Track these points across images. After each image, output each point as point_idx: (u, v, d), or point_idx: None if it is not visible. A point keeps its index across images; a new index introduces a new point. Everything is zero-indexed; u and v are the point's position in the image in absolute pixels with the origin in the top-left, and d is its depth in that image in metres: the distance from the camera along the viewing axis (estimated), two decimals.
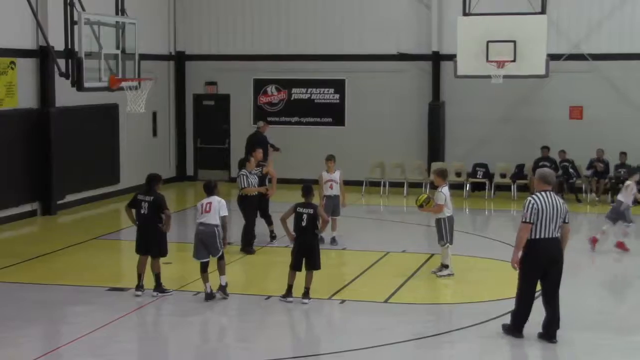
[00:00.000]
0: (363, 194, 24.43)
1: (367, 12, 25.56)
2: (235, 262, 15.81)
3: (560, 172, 23.25)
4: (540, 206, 11.03)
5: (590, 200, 22.70)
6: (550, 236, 11.10)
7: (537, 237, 11.08)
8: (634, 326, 12.31)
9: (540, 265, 11.17)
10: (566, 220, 11.25)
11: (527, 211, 11.06)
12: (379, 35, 25.46)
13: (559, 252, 11.24)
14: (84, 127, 22.28)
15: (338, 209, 17.50)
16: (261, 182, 17.33)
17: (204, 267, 13.35)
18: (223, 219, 13.26)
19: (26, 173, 20.44)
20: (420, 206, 15.02)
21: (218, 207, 13.23)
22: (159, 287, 13.58)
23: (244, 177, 16.68)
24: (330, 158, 17.63)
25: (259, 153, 17.41)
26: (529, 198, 11.18)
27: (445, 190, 14.87)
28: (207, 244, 13.23)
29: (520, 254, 11.22)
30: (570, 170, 23.32)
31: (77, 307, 13.16)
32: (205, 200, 13.38)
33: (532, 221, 11.04)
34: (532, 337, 11.45)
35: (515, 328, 11.49)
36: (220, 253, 13.32)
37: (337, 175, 17.40)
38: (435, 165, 24.52)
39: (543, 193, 11.18)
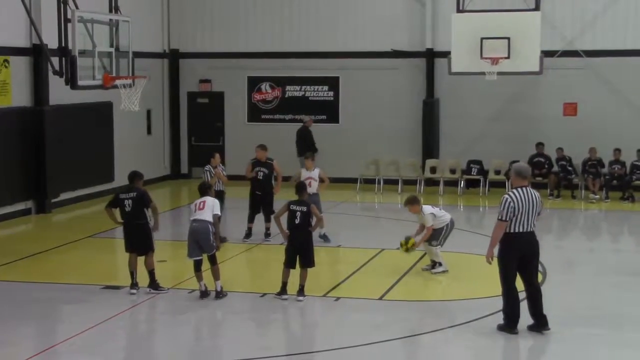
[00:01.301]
0: (358, 191, 24.44)
1: (361, 9, 25.56)
2: (229, 260, 15.80)
3: (558, 169, 23.30)
4: (516, 204, 11.16)
5: (591, 199, 22.67)
6: (527, 230, 11.26)
7: (514, 231, 11.23)
8: (626, 321, 12.34)
9: (517, 258, 11.32)
10: (540, 214, 11.43)
11: (503, 209, 11.19)
12: (373, 32, 25.47)
13: (536, 245, 11.42)
14: (78, 125, 22.25)
15: (319, 206, 17.40)
16: (268, 179, 17.46)
17: (197, 266, 13.34)
18: (215, 217, 13.26)
19: (20, 171, 20.41)
20: (407, 250, 14.90)
21: (212, 205, 13.24)
22: (153, 284, 13.57)
23: (208, 172, 17.00)
24: (309, 156, 17.62)
25: (217, 158, 17.43)
26: (505, 196, 11.30)
27: (426, 209, 14.88)
28: (200, 240, 13.22)
29: (495, 249, 11.38)
30: (569, 168, 23.34)
31: (72, 305, 13.15)
32: (199, 200, 13.40)
33: (507, 219, 11.18)
34: (527, 333, 11.48)
35: (508, 324, 11.52)
36: (214, 251, 13.30)
37: (316, 172, 17.31)
38: (430, 163, 24.61)
39: (519, 189, 11.31)
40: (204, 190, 13.57)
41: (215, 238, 13.30)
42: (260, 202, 17.56)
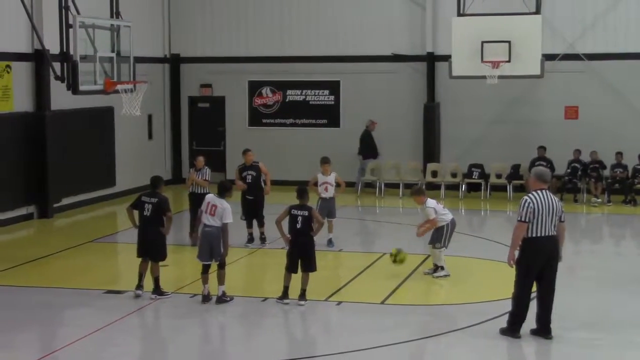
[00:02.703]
0: (359, 195, 24.43)
1: (362, 13, 25.57)
2: (231, 265, 15.79)
3: (568, 170, 23.23)
4: (535, 205, 11.07)
5: (593, 202, 22.66)
6: (547, 234, 11.14)
7: (534, 235, 11.12)
8: (628, 325, 12.33)
9: (537, 263, 11.20)
10: (562, 219, 11.30)
11: (522, 210, 11.10)
12: (374, 36, 25.48)
13: (556, 250, 11.28)
14: (79, 130, 22.28)
15: (334, 211, 17.53)
16: (256, 181, 17.46)
17: (205, 269, 13.38)
18: (225, 225, 13.24)
19: (22, 176, 20.43)
20: (394, 262, 14.83)
21: (222, 213, 13.19)
22: (157, 290, 13.58)
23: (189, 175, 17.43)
24: (326, 160, 17.64)
25: (200, 161, 17.42)
26: (525, 197, 11.22)
27: (429, 203, 14.91)
28: (212, 245, 13.23)
29: (516, 252, 11.26)
30: (579, 172, 23.25)
31: (74, 310, 13.17)
32: (211, 202, 13.33)
33: (527, 220, 11.08)
34: (530, 337, 11.48)
35: (512, 328, 11.50)
36: (221, 258, 13.30)
37: (332, 177, 17.42)
38: (431, 167, 24.61)
39: (539, 192, 11.22)
40: (222, 191, 13.45)
41: (224, 246, 13.29)
42: (253, 205, 17.57)
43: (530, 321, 11.57)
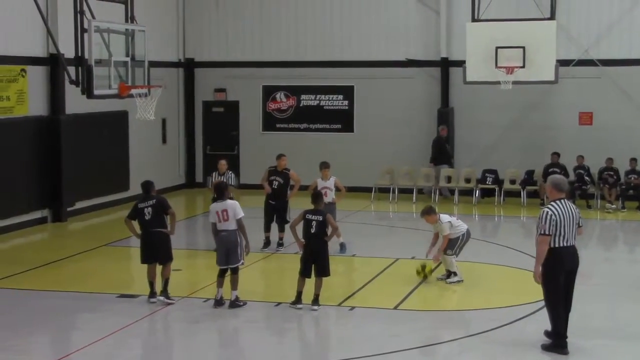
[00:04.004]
0: (372, 200, 24.42)
1: (376, 19, 25.58)
2: (245, 269, 15.78)
3: (574, 178, 23.16)
4: (558, 217, 10.92)
5: (607, 209, 22.57)
6: (569, 244, 11.04)
7: (557, 246, 10.97)
8: None
9: (562, 274, 11.03)
10: (580, 224, 11.24)
11: (545, 223, 10.91)
12: (388, 41, 25.48)
13: (577, 260, 11.19)
14: (93, 134, 22.35)
15: (334, 216, 17.37)
16: (282, 188, 17.46)
17: (221, 273, 13.40)
18: (240, 221, 13.25)
19: (36, 180, 20.50)
20: (425, 277, 14.89)
21: (233, 213, 13.21)
22: (165, 292, 13.54)
23: (210, 179, 17.34)
24: (325, 165, 17.57)
25: (223, 164, 17.30)
26: (545, 209, 11.03)
27: (443, 218, 14.87)
28: (228, 250, 13.24)
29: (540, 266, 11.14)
30: (586, 177, 23.20)
31: (87, 314, 13.19)
32: (220, 208, 13.32)
33: (550, 233, 10.92)
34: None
35: (559, 344, 11.22)
36: (238, 265, 13.30)
37: (331, 182, 17.32)
38: (445, 172, 24.54)
39: (558, 202, 11.07)
40: (221, 191, 13.47)
41: (244, 244, 13.27)
42: (275, 211, 17.55)
43: (541, 335, 11.50)
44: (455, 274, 14.91)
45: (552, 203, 11.10)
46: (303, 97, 26.46)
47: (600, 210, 22.69)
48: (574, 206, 11.22)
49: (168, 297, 13.54)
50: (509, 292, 14.29)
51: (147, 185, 13.72)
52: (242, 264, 13.51)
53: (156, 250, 13.52)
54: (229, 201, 13.34)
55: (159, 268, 13.62)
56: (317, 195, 13.63)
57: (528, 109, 24.57)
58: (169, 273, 13.59)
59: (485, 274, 15.68)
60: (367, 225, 21.05)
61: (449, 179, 24.55)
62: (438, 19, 25.02)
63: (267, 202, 17.65)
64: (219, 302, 13.31)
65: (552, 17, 21.42)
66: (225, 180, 16.31)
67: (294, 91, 26.48)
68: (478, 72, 20.94)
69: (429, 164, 24.69)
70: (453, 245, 14.87)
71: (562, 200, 11.12)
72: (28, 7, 17.94)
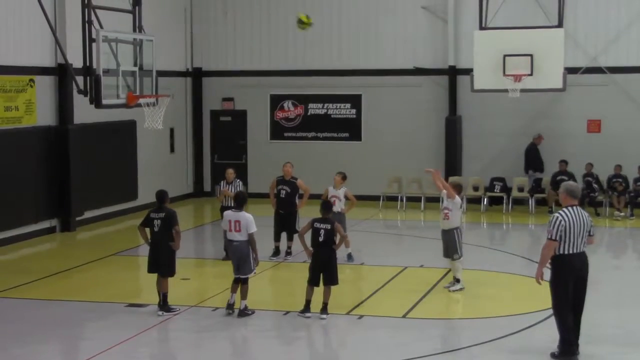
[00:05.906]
0: (380, 208, 24.41)
1: (383, 27, 25.59)
2: (254, 278, 15.77)
3: (582, 185, 23.11)
4: (567, 223, 10.87)
5: (615, 216, 22.51)
6: (578, 251, 10.98)
7: (566, 252, 10.93)
8: None
9: (570, 281, 10.99)
10: (591, 233, 11.18)
11: (553, 228, 10.87)
12: (396, 49, 25.49)
13: (587, 267, 11.13)
14: (102, 143, 22.40)
15: (343, 226, 17.32)
16: (290, 197, 17.41)
17: (236, 280, 13.42)
18: (251, 235, 13.27)
19: (45, 190, 20.54)
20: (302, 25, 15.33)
21: (246, 225, 13.21)
22: (165, 306, 13.52)
23: (218, 188, 17.28)
24: (339, 173, 17.51)
25: (230, 173, 17.25)
26: (556, 215, 10.99)
27: (458, 200, 14.79)
28: (239, 260, 13.26)
29: (543, 270, 11.10)
30: (594, 185, 23.15)
31: (96, 323, 13.19)
32: (233, 218, 13.33)
33: (557, 239, 10.88)
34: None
35: (568, 350, 11.17)
36: (249, 275, 13.32)
37: (341, 192, 17.20)
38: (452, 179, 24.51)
39: (570, 208, 11.02)
40: (239, 202, 13.48)
41: (254, 255, 13.29)
42: (284, 220, 17.53)
43: (550, 343, 11.46)
44: (457, 281, 14.87)
45: (564, 209, 11.07)
46: (311, 105, 26.48)
47: (609, 218, 22.64)
48: (586, 214, 11.14)
49: (169, 310, 13.49)
50: (518, 300, 14.26)
51: (160, 195, 13.68)
52: (254, 274, 13.52)
53: (160, 262, 13.52)
54: (245, 214, 13.32)
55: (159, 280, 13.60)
56: (326, 204, 13.63)
57: (536, 117, 24.54)
58: (166, 288, 13.52)
59: (494, 282, 15.65)
60: (375, 233, 21.04)
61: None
62: (446, 27, 25.02)
63: (276, 211, 17.64)
64: (230, 306, 13.37)
65: (559, 24, 21.39)
66: (241, 190, 16.11)
67: (302, 100, 26.50)
68: (486, 80, 20.93)
69: (523, 173, 24.36)
70: (453, 245, 14.72)
71: (575, 207, 11.07)
72: (36, 17, 18.02)
